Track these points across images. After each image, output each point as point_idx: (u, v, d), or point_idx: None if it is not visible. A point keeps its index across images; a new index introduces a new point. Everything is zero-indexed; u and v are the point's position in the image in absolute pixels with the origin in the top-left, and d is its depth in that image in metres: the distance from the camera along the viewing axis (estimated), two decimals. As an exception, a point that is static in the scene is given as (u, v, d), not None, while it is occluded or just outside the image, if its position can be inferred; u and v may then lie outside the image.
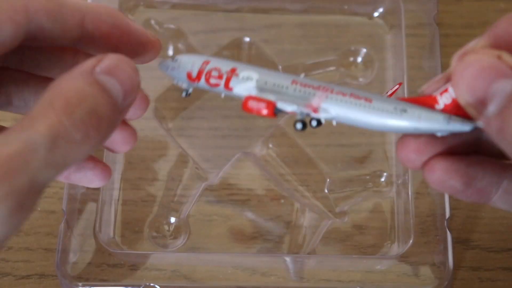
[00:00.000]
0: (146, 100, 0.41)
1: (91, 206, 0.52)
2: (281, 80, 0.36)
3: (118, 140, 0.41)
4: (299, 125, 0.36)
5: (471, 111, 0.32)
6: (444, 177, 0.35)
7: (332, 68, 0.59)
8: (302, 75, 0.37)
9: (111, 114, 0.32)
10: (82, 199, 0.52)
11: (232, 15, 0.60)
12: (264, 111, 0.36)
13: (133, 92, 0.34)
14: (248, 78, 0.36)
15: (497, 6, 0.61)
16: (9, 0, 0.33)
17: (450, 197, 0.51)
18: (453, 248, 0.50)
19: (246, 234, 0.54)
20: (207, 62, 0.37)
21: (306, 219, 0.54)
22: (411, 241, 0.51)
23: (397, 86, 0.44)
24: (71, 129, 0.30)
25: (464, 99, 0.32)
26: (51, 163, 0.30)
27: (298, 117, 0.36)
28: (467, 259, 0.51)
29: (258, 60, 0.59)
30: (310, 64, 0.59)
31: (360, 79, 0.58)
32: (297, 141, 0.56)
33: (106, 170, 0.41)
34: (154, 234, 0.53)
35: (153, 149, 0.56)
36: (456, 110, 0.34)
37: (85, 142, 0.31)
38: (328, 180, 0.55)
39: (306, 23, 0.60)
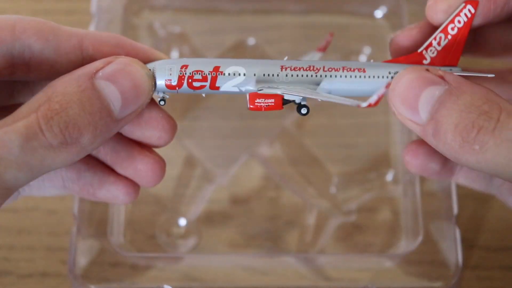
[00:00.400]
0: (171, 121, 0.37)
1: (101, 208, 0.52)
2: (269, 68, 0.36)
3: (142, 172, 0.38)
4: (304, 110, 0.36)
5: (408, 124, 0.33)
6: (426, 160, 0.38)
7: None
8: (285, 58, 0.38)
9: (101, 124, 0.32)
10: (92, 202, 0.52)
11: (234, 17, 0.60)
12: (274, 106, 0.35)
13: (136, 100, 0.33)
14: (235, 74, 0.36)
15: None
16: None
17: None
18: (462, 245, 0.50)
19: (253, 234, 0.54)
20: (185, 66, 0.35)
21: (314, 219, 0.54)
22: (419, 239, 0.51)
23: (329, 38, 0.45)
24: (48, 134, 0.31)
25: (400, 112, 0.33)
26: (24, 164, 0.30)
27: (302, 102, 0.36)
28: (465, 258, 0.51)
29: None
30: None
31: None
32: (303, 141, 0.56)
33: (130, 184, 0.39)
34: (165, 236, 0.53)
35: (160, 150, 0.56)
36: (442, 62, 0.36)
37: (64, 150, 0.31)
38: (335, 179, 0.55)
39: (308, 24, 0.60)
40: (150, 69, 0.35)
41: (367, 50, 0.59)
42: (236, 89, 0.36)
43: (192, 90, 0.36)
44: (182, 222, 0.54)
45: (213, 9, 0.60)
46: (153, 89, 0.35)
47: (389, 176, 0.55)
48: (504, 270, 0.52)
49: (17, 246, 0.52)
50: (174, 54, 0.59)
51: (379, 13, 0.60)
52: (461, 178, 0.40)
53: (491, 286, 0.52)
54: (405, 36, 0.38)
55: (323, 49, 0.45)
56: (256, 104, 0.35)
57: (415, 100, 0.33)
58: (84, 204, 0.51)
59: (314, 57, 0.44)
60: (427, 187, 0.53)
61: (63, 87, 0.31)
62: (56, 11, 0.61)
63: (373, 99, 0.32)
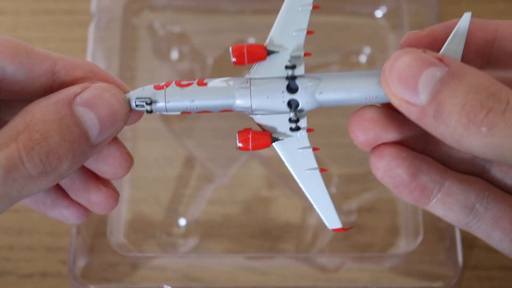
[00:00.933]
0: (128, 158, 0.37)
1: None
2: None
3: (95, 204, 0.38)
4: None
5: (404, 107, 0.32)
6: (391, 163, 0.35)
7: (335, 68, 0.59)
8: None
9: (77, 149, 0.32)
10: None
11: (234, 17, 0.60)
12: (265, 145, 0.34)
13: (112, 126, 0.33)
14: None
15: (496, 8, 0.61)
16: None
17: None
18: (462, 245, 0.50)
19: (253, 234, 0.54)
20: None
21: (314, 218, 0.54)
22: (419, 239, 0.51)
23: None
24: (29, 165, 0.30)
25: (396, 94, 0.32)
26: (4, 195, 0.30)
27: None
28: (465, 258, 0.51)
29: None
30: (313, 64, 0.59)
31: None
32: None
33: (83, 210, 0.38)
34: (165, 236, 0.53)
35: (160, 150, 0.56)
36: None
37: (43, 178, 0.31)
38: (334, 179, 0.55)
39: (308, 24, 0.60)
40: (126, 95, 0.34)
41: (367, 50, 0.59)
42: (224, 84, 0.34)
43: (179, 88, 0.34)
44: (182, 222, 0.54)
45: (213, 9, 0.60)
46: (129, 114, 0.34)
47: None
48: (504, 270, 0.52)
49: (17, 246, 0.52)
50: (174, 54, 0.59)
51: (379, 13, 0.60)
52: (437, 204, 0.36)
53: (491, 286, 0.52)
54: (412, 37, 0.36)
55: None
56: (243, 146, 0.34)
57: (414, 80, 0.31)
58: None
59: None
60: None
61: (42, 114, 0.31)
62: (56, 11, 0.61)
63: (338, 226, 0.34)
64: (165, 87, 0.34)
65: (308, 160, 0.35)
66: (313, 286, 0.51)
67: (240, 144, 0.34)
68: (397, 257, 0.51)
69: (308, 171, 0.35)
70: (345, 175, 0.55)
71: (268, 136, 0.34)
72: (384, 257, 0.52)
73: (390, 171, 0.35)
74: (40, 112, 0.31)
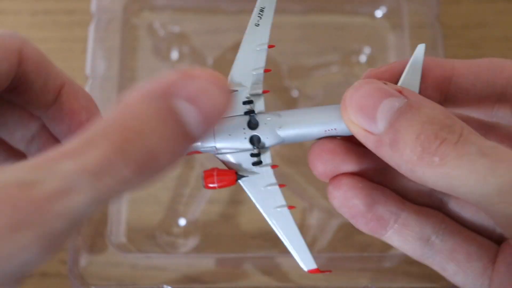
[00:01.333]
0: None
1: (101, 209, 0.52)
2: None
3: None
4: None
5: (362, 135, 0.32)
6: (348, 194, 0.35)
7: (335, 68, 0.59)
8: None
9: (177, 148, 0.28)
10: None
11: (234, 17, 0.60)
12: (230, 183, 0.34)
13: (214, 122, 0.29)
14: None
15: (496, 7, 0.61)
16: (6, 41, 0.33)
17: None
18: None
19: (253, 234, 0.54)
20: None
21: (315, 219, 0.54)
22: None
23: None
24: (123, 169, 0.26)
25: (355, 122, 0.32)
26: (95, 202, 0.26)
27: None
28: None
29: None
30: (313, 64, 0.59)
31: None
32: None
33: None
34: (165, 236, 0.53)
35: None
36: None
37: (139, 180, 0.27)
38: None
39: (307, 23, 0.60)
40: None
41: (367, 50, 0.59)
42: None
43: None
44: (182, 222, 0.54)
45: (213, 9, 0.60)
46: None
47: None
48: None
49: (17, 246, 0.52)
50: (174, 54, 0.59)
51: (379, 13, 0.60)
52: (393, 235, 0.37)
53: (491, 286, 0.52)
54: (372, 73, 0.35)
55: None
56: (211, 185, 0.34)
57: (373, 109, 0.32)
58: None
59: None
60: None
61: (137, 112, 0.27)
62: (56, 11, 0.61)
63: (313, 267, 0.34)
64: None
65: (275, 197, 0.35)
66: (313, 286, 0.51)
67: (206, 184, 0.34)
68: (397, 257, 0.51)
69: (277, 209, 0.35)
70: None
71: (233, 173, 0.34)
72: (384, 257, 0.52)
73: (347, 201, 0.36)
74: (136, 107, 0.28)
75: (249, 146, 0.34)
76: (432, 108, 0.31)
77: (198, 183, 0.55)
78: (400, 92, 0.32)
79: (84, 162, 0.26)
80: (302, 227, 0.54)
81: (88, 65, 0.56)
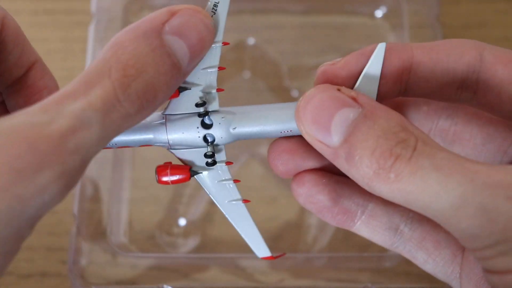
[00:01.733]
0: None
1: (101, 208, 0.52)
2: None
3: None
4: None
5: (318, 146, 0.32)
6: (312, 190, 0.35)
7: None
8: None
9: (171, 81, 0.30)
10: (92, 201, 0.52)
11: (234, 17, 0.60)
12: (184, 179, 0.35)
13: (201, 53, 0.32)
14: None
15: (496, 7, 0.61)
16: None
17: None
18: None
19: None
20: None
21: (315, 219, 0.54)
22: None
23: None
24: (126, 103, 0.29)
25: (310, 134, 0.32)
26: (103, 138, 0.28)
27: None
28: (466, 257, 0.51)
29: (262, 61, 0.59)
30: (313, 64, 0.59)
31: None
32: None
33: None
34: (165, 236, 0.53)
35: (160, 150, 0.56)
36: None
37: (139, 115, 0.29)
38: None
39: (307, 24, 0.60)
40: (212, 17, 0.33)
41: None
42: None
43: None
44: (182, 222, 0.54)
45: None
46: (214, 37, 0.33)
47: None
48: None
49: (17, 246, 0.52)
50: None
51: (379, 13, 0.60)
52: (361, 226, 0.37)
53: (491, 286, 0.52)
54: (328, 69, 0.34)
55: None
56: (163, 180, 0.34)
57: (327, 121, 0.31)
58: (84, 204, 0.51)
59: None
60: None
61: (134, 47, 0.29)
62: (56, 11, 0.61)
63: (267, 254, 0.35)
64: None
65: (230, 191, 0.36)
66: (313, 286, 0.51)
67: (159, 179, 0.34)
68: (397, 257, 0.51)
69: (232, 202, 0.36)
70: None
71: (187, 170, 0.35)
72: (384, 257, 0.52)
73: (311, 197, 0.36)
74: (131, 45, 0.29)
75: (203, 144, 0.34)
76: (387, 119, 0.31)
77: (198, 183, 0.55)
78: (354, 99, 0.31)
79: (90, 100, 0.28)
80: (302, 227, 0.54)
81: (88, 65, 0.56)
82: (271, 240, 0.53)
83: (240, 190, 0.55)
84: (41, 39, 0.60)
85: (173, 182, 0.35)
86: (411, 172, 0.29)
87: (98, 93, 0.28)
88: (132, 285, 0.50)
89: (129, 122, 0.29)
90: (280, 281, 0.51)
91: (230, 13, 0.59)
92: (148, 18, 0.30)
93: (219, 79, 0.59)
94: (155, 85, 0.30)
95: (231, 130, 0.34)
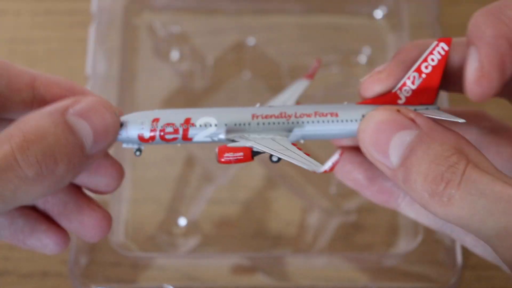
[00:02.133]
0: (119, 168, 0.38)
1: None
2: (240, 117, 0.36)
3: (89, 226, 0.37)
4: (274, 158, 0.35)
5: (379, 166, 0.33)
6: (347, 167, 0.37)
7: (335, 69, 0.59)
8: (258, 105, 0.37)
9: (74, 157, 0.32)
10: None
11: (234, 17, 0.60)
12: (243, 159, 0.35)
13: (106, 137, 0.33)
14: (206, 125, 0.36)
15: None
16: None
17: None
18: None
19: (253, 234, 0.54)
20: (156, 120, 0.35)
21: (315, 218, 0.54)
22: (419, 239, 0.51)
23: (316, 64, 0.44)
24: (23, 164, 0.30)
25: (370, 154, 0.33)
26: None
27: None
28: (465, 258, 0.51)
29: (262, 61, 0.59)
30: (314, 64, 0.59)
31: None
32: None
33: (62, 235, 0.38)
34: (165, 236, 0.53)
35: (161, 151, 0.56)
36: (418, 101, 0.35)
37: (38, 181, 0.31)
38: (334, 179, 0.55)
39: (307, 24, 0.60)
40: (116, 112, 0.35)
41: (367, 50, 0.59)
42: (208, 139, 0.36)
43: (165, 142, 0.36)
44: (183, 222, 0.54)
45: (213, 9, 0.60)
46: (119, 129, 0.35)
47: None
48: (504, 270, 0.52)
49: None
50: (175, 54, 0.59)
51: (379, 13, 0.60)
52: (406, 208, 0.38)
53: (491, 286, 0.52)
54: (374, 80, 0.36)
55: (311, 76, 0.44)
56: (225, 158, 0.34)
57: (385, 144, 0.32)
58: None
59: (301, 85, 0.43)
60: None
61: (36, 121, 0.31)
62: (56, 11, 0.61)
63: (327, 166, 0.32)
64: (150, 141, 0.36)
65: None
66: (313, 286, 0.51)
67: (222, 157, 0.34)
68: (396, 256, 0.51)
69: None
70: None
71: (249, 150, 0.35)
72: (384, 257, 0.52)
73: (348, 174, 0.37)
74: (34, 120, 0.31)
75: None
76: (441, 143, 0.31)
77: (198, 183, 0.55)
78: (413, 120, 0.32)
79: None
80: (302, 227, 0.54)
81: (88, 65, 0.56)
82: (271, 240, 0.53)
83: (240, 190, 0.56)
84: (42, 39, 0.60)
85: (236, 161, 0.35)
86: (461, 197, 0.30)
87: None
88: (132, 285, 0.50)
89: (28, 187, 0.30)
90: (280, 281, 0.51)
91: (230, 13, 0.60)
92: (53, 104, 0.33)
93: (219, 80, 0.59)
94: (55, 153, 0.31)
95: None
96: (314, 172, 0.32)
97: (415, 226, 0.52)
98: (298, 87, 0.42)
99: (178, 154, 0.56)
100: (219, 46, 0.59)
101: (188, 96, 0.58)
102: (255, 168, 0.55)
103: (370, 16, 0.60)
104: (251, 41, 0.60)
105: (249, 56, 0.59)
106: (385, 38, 0.60)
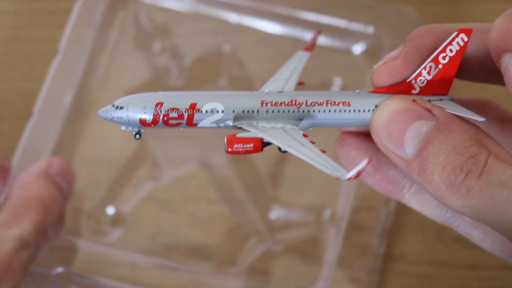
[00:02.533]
0: (4, 170, 0.46)
1: (102, 208, 0.53)
2: (249, 104, 0.34)
3: None
4: (284, 149, 0.34)
5: (392, 158, 0.32)
6: (351, 152, 0.36)
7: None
8: (266, 90, 0.36)
9: (62, 205, 0.44)
10: (92, 201, 0.53)
11: (210, 24, 0.59)
12: (253, 150, 0.34)
13: (73, 186, 0.46)
14: (212, 111, 0.34)
15: (496, 8, 0.61)
16: None
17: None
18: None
19: (177, 244, 0.54)
20: (160, 104, 0.34)
21: (244, 239, 0.53)
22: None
23: (316, 35, 0.42)
24: (49, 226, 0.41)
25: (384, 145, 0.32)
26: (36, 252, 0.40)
27: None
28: (464, 258, 0.51)
29: (240, 70, 0.58)
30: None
31: None
32: (255, 162, 0.55)
33: None
34: (92, 223, 0.53)
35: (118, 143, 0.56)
36: (432, 91, 0.34)
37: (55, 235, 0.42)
38: (277, 206, 0.54)
39: (283, 39, 0.58)
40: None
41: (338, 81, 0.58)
42: (214, 125, 0.35)
43: (168, 127, 0.34)
44: (111, 210, 0.54)
45: (198, 9, 0.59)
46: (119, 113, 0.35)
47: (327, 214, 0.54)
48: (504, 270, 0.52)
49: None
50: (156, 45, 0.58)
51: (358, 49, 0.59)
52: (411, 199, 0.37)
53: (491, 286, 0.52)
54: (388, 67, 0.34)
55: (310, 49, 0.42)
56: (234, 148, 0.33)
57: (400, 134, 0.31)
58: (84, 204, 0.51)
59: (302, 58, 0.41)
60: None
61: (42, 188, 0.44)
62: (56, 11, 0.61)
63: (353, 174, 0.31)
64: (152, 125, 0.34)
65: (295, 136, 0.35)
66: (313, 286, 0.51)
67: (230, 146, 0.34)
68: (396, 257, 0.51)
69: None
70: (285, 204, 0.55)
71: (259, 141, 0.34)
72: (383, 258, 0.52)
73: (352, 160, 0.36)
74: (39, 187, 0.44)
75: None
76: (460, 133, 0.31)
77: (142, 177, 0.55)
78: (429, 111, 0.31)
79: (23, 227, 0.40)
80: (302, 227, 0.54)
81: (64, 38, 0.55)
82: (189, 250, 0.53)
83: (240, 190, 0.56)
84: (41, 39, 0.60)
85: (245, 152, 0.34)
86: (481, 189, 0.30)
87: (28, 221, 0.40)
88: (133, 285, 0.50)
89: (49, 240, 0.42)
90: (280, 281, 0.51)
91: (221, 13, 0.58)
92: (33, 168, 0.46)
93: (194, 82, 0.57)
94: (60, 208, 0.44)
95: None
96: (338, 179, 0.31)
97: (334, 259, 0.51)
98: (299, 62, 0.40)
99: (131, 141, 0.55)
100: (200, 48, 0.58)
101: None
102: (255, 168, 0.55)
103: (349, 52, 0.58)
104: (227, 48, 0.58)
105: (227, 63, 0.58)
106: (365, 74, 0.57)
